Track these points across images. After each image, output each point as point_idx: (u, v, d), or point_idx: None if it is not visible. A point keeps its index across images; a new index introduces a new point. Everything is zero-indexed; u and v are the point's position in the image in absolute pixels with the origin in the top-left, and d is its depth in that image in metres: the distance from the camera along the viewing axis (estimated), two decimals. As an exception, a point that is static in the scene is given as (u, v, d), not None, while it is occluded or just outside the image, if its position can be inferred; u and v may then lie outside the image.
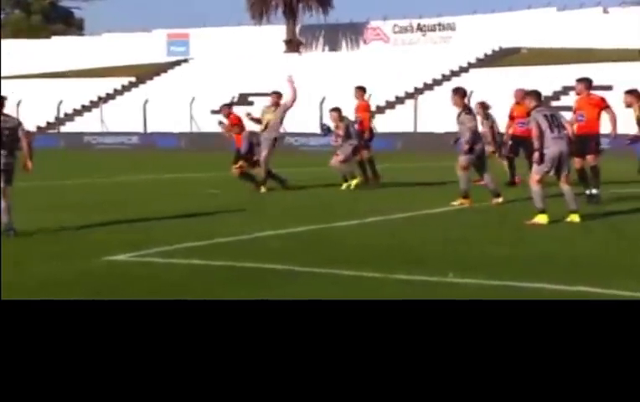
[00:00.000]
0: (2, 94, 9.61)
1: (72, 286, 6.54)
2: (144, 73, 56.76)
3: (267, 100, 17.02)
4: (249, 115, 16.25)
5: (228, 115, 16.11)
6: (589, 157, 12.32)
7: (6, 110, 9.42)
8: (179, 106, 47.59)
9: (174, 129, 45.54)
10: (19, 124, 9.39)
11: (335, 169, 15.58)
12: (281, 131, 15.65)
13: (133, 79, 56.29)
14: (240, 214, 11.46)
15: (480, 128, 15.83)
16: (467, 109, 12.43)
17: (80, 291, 6.35)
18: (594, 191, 12.20)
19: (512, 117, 15.57)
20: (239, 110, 17.66)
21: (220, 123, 16.30)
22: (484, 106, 16.21)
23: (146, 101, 48.12)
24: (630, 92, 12.86)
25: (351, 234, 9.61)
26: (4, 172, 9.09)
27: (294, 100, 16.03)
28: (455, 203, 12.15)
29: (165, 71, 57.59)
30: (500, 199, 12.23)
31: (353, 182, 15.20)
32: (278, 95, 16.14)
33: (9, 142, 9.13)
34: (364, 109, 16.34)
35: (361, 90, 16.36)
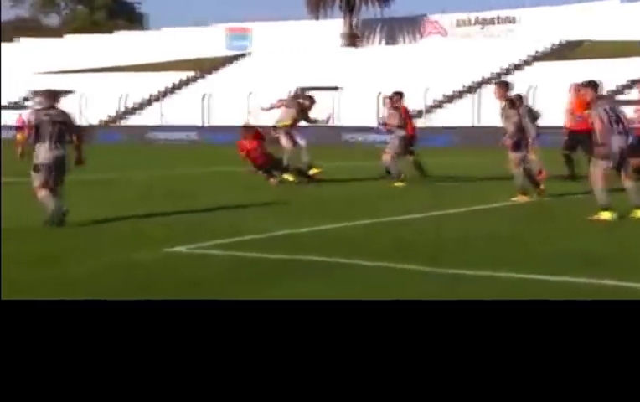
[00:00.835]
0: (66, 89, 9.81)
1: (121, 278, 6.63)
2: (204, 67, 57.39)
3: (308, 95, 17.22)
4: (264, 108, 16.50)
5: (243, 149, 15.99)
6: None
7: (69, 106, 9.61)
8: (239, 101, 48.01)
9: (233, 123, 45.98)
10: (71, 119, 9.55)
11: (387, 166, 15.47)
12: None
13: (192, 73, 56.97)
14: (290, 208, 11.50)
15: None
16: (511, 102, 12.19)
17: (129, 282, 6.44)
18: None
19: (571, 112, 15.26)
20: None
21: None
22: (520, 97, 15.92)
23: (206, 95, 48.62)
24: None
25: (399, 228, 9.55)
26: (52, 166, 9.23)
27: (317, 124, 16.11)
28: (514, 198, 11.97)
29: (224, 66, 58.14)
30: (526, 198, 11.93)
31: (400, 180, 14.92)
32: (312, 101, 16.28)
33: (61, 137, 9.30)
34: (405, 112, 16.19)
35: (398, 95, 16.17)
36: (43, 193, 9.20)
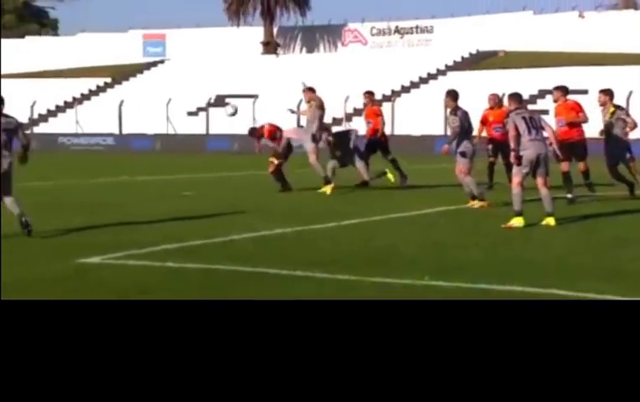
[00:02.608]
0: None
1: (42, 290, 6.37)
2: (120, 73, 56.37)
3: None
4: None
5: (261, 136, 15.76)
6: (579, 165, 12.86)
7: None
8: (155, 107, 47.29)
9: (150, 130, 45.24)
10: (18, 123, 9.22)
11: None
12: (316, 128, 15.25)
13: (109, 79, 55.89)
14: (215, 217, 11.32)
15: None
16: (454, 110, 12.31)
17: (51, 293, 6.18)
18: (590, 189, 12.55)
19: (484, 122, 15.51)
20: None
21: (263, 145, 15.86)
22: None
23: (121, 102, 47.77)
24: (604, 91, 13.17)
25: (326, 236, 9.50)
26: (5, 174, 8.89)
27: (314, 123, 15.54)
28: (474, 204, 12.03)
29: (141, 72, 57.23)
30: (476, 204, 12.11)
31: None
32: (311, 89, 15.71)
33: (6, 144, 8.97)
34: (375, 114, 16.26)
35: (370, 95, 16.23)
36: (9, 201, 8.89)
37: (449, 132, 12.34)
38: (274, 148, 15.59)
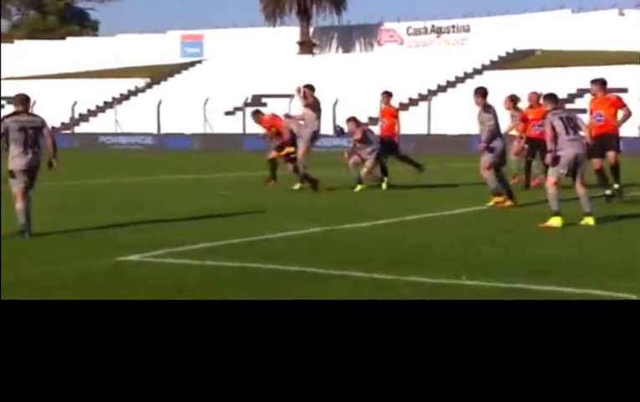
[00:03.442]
0: (25, 94, 9.64)
1: (82, 287, 6.53)
2: (158, 74, 56.95)
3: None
4: (287, 115, 16.54)
5: (262, 122, 16.30)
6: (610, 155, 12.43)
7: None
8: (193, 107, 47.70)
9: (187, 130, 45.65)
10: (44, 123, 9.41)
11: (352, 171, 15.52)
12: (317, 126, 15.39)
13: (147, 80, 56.48)
14: (251, 215, 11.44)
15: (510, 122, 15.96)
16: (486, 108, 12.31)
17: (90, 291, 6.34)
18: (615, 185, 12.25)
19: (525, 120, 15.48)
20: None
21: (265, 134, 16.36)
22: (513, 100, 16.22)
23: (160, 102, 48.27)
24: None
25: (362, 235, 9.57)
26: (28, 172, 9.11)
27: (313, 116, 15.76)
28: (489, 203, 12.04)
29: (179, 72, 57.76)
30: (500, 199, 12.11)
31: (383, 186, 15.25)
32: (311, 88, 15.73)
33: (33, 142, 9.16)
34: (391, 114, 16.28)
35: (387, 95, 16.28)
36: (19, 206, 9.06)
37: (478, 130, 12.29)
38: (280, 141, 15.86)
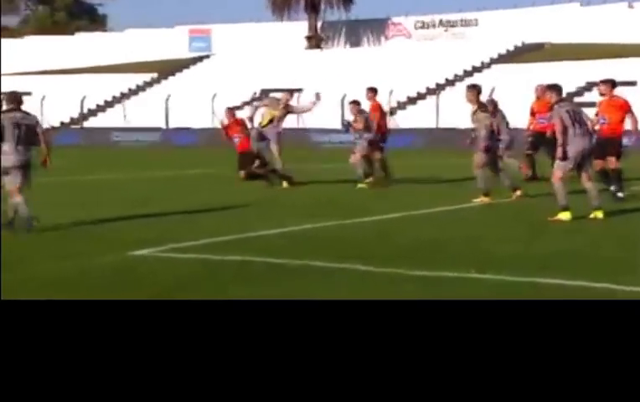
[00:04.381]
0: (26, 90, 9.70)
1: (86, 283, 6.54)
2: (166, 69, 57.01)
3: (279, 95, 17.00)
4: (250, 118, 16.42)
5: (231, 118, 16.38)
6: (610, 160, 12.18)
7: (28, 107, 9.49)
8: (201, 102, 47.74)
9: (195, 125, 45.69)
10: (37, 121, 9.44)
11: (355, 167, 15.47)
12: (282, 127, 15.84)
13: (155, 75, 56.55)
14: (254, 210, 11.45)
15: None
16: (482, 106, 12.31)
17: (94, 287, 6.36)
18: (619, 194, 12.02)
19: (533, 113, 15.41)
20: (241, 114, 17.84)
21: (222, 125, 16.54)
22: (494, 103, 16.09)
23: (168, 97, 48.35)
24: None
25: (366, 230, 9.56)
26: (21, 168, 9.14)
27: (305, 112, 16.08)
28: (476, 200, 12.05)
29: (187, 67, 57.81)
30: (519, 192, 12.21)
31: (365, 182, 14.93)
32: (292, 94, 16.13)
33: (27, 139, 9.19)
34: (375, 110, 16.14)
35: (372, 91, 16.06)
36: (17, 199, 9.06)
37: (475, 127, 12.26)
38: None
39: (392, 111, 41.77)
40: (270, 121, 15.59)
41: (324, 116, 41.31)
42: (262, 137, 15.50)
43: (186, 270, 7.03)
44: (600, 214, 9.91)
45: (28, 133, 9.21)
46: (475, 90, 12.42)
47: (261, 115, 16.03)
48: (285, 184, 15.10)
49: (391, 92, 42.96)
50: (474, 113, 12.27)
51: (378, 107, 15.97)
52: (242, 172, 15.76)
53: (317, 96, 15.89)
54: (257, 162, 15.56)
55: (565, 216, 9.75)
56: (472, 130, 12.41)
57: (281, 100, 16.07)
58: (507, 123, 14.23)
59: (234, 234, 9.00)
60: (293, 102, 16.39)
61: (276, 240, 8.65)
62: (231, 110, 17.56)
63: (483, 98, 13.20)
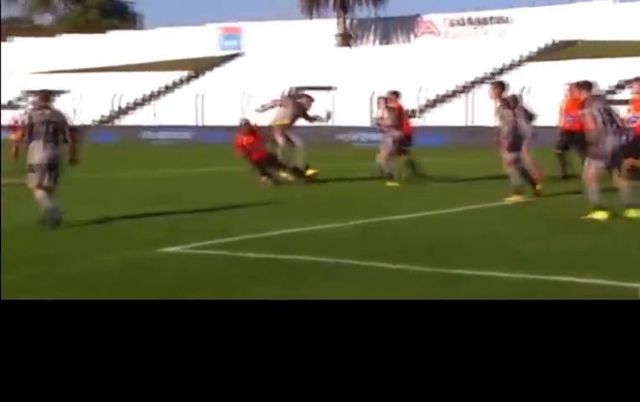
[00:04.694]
0: (61, 88, 9.83)
1: (101, 280, 6.63)
2: (197, 67, 57.32)
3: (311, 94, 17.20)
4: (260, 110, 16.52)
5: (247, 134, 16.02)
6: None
7: (65, 105, 9.62)
8: (232, 101, 47.96)
9: (227, 123, 45.92)
10: (65, 119, 9.54)
11: (381, 166, 15.44)
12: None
13: (186, 73, 56.89)
14: (270, 209, 11.51)
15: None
16: (505, 103, 12.24)
17: (108, 284, 6.44)
18: None
19: (563, 111, 15.26)
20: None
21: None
22: (515, 98, 15.99)
23: (200, 95, 48.65)
24: None
25: (395, 228, 9.57)
26: (48, 166, 9.24)
27: (314, 122, 16.15)
28: (510, 199, 11.97)
29: (218, 65, 58.07)
30: (520, 197, 11.92)
31: (394, 181, 14.88)
32: (312, 100, 16.36)
33: (56, 137, 9.29)
34: (397, 112, 16.07)
35: (394, 94, 15.99)
36: (39, 194, 9.20)
37: (500, 124, 12.21)
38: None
39: (414, 113, 41.58)
40: (285, 124, 15.69)
41: (353, 115, 41.37)
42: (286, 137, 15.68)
43: (223, 265, 7.10)
44: (633, 213, 9.81)
45: (58, 131, 9.32)
46: (498, 86, 12.37)
47: (276, 114, 16.10)
48: (287, 175, 15.09)
49: (420, 90, 42.83)
50: (498, 110, 12.22)
51: (399, 109, 15.94)
52: (263, 178, 15.64)
53: (328, 114, 16.22)
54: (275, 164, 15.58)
55: (599, 215, 9.65)
56: (499, 127, 12.37)
57: (305, 101, 16.12)
58: (530, 117, 13.95)
59: (248, 233, 9.02)
60: (311, 110, 16.48)
61: (313, 237, 8.69)
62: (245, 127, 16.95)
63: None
